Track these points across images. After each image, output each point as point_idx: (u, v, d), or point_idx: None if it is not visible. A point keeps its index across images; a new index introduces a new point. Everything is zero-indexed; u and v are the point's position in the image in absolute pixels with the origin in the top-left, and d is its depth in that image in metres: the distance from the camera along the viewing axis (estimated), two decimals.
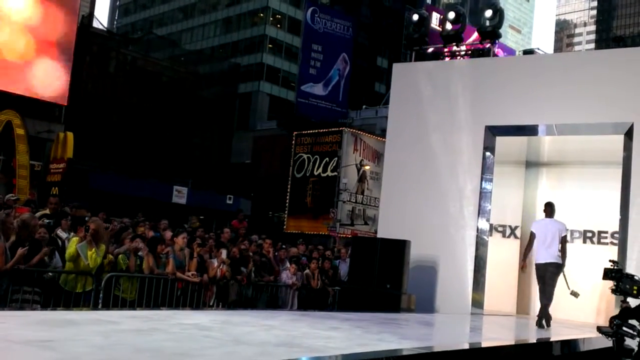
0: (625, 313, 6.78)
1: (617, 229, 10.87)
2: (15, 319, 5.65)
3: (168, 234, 10.57)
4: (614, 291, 7.16)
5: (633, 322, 6.61)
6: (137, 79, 37.10)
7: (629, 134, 10.51)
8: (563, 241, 9.36)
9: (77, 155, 26.94)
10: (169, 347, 4.69)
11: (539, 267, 9.49)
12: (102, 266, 8.39)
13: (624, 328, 6.53)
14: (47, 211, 10.06)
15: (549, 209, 9.75)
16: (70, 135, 26.57)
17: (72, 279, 8.14)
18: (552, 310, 12.27)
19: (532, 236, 9.58)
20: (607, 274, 7.13)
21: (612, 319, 6.68)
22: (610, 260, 7.45)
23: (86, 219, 9.71)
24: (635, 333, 6.50)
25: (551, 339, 8.57)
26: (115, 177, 30.37)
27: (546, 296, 9.49)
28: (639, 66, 10.72)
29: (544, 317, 9.36)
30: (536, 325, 9.39)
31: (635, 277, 7.12)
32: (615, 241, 11.18)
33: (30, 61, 26.67)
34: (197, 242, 10.25)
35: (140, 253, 8.97)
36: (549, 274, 9.33)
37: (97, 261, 8.18)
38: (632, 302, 7.03)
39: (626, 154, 10.54)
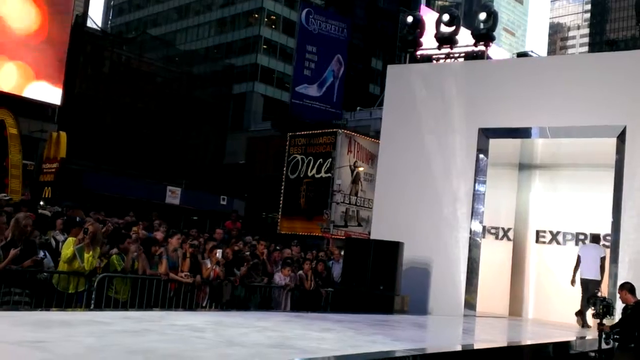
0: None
1: (609, 231, 10.92)
2: (8, 319, 5.63)
3: (159, 234, 10.54)
4: (594, 316, 8.06)
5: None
6: (131, 79, 37.00)
7: (621, 137, 10.56)
8: (602, 262, 10.88)
9: (70, 155, 26.81)
10: (162, 349, 4.69)
11: (582, 280, 10.97)
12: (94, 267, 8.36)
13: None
14: None
15: (592, 237, 11.70)
16: (63, 134, 26.44)
17: (65, 279, 8.12)
18: (547, 312, 12.36)
19: (579, 258, 11.14)
20: (588, 301, 8.28)
21: (611, 327, 7.87)
22: (595, 289, 8.20)
23: (77, 219, 9.68)
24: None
25: (544, 341, 8.60)
26: (109, 177, 30.27)
27: None
28: (632, 70, 10.78)
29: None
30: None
31: (607, 299, 8.10)
32: (608, 244, 11.23)
33: (23, 60, 26.55)
34: (190, 243, 10.22)
35: (134, 254, 8.91)
36: (591, 287, 10.71)
37: (93, 264, 8.17)
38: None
39: (618, 156, 10.60)
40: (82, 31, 33.85)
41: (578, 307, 10.97)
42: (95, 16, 66.89)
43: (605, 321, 7.87)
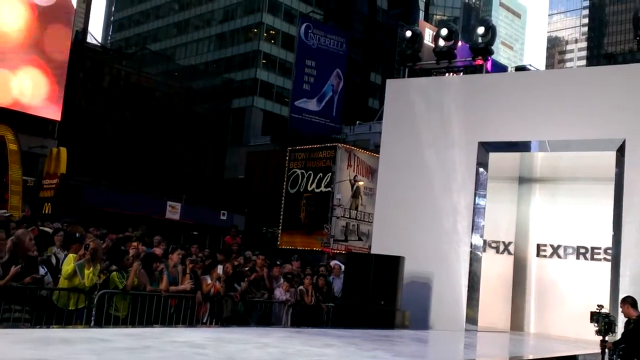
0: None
1: (610, 245, 10.90)
2: (7, 337, 5.60)
3: (158, 250, 10.52)
4: (596, 332, 7.90)
5: None
6: (131, 94, 37.14)
7: (621, 150, 10.57)
8: None
9: (70, 171, 26.84)
10: None
11: None
12: (95, 284, 8.34)
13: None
14: None
15: None
16: (63, 150, 26.50)
17: (65, 295, 8.09)
18: (548, 327, 12.27)
19: None
20: (592, 317, 7.98)
21: (614, 344, 7.88)
22: (597, 305, 8.09)
23: (77, 235, 9.68)
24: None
25: (546, 356, 8.56)
26: (109, 192, 30.27)
27: None
28: (631, 83, 10.82)
29: None
30: None
31: (611, 316, 7.96)
32: (609, 257, 11.21)
33: (23, 76, 26.65)
34: (190, 259, 10.21)
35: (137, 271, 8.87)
36: None
37: (93, 280, 8.15)
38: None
39: (618, 170, 10.60)
40: (82, 47, 34.03)
41: (580, 320, 10.92)
42: (95, 32, 67.42)
43: (607, 338, 7.85)
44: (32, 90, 26.90)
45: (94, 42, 40.91)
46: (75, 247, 8.52)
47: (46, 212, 24.41)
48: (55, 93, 27.77)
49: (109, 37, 74.65)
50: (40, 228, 11.01)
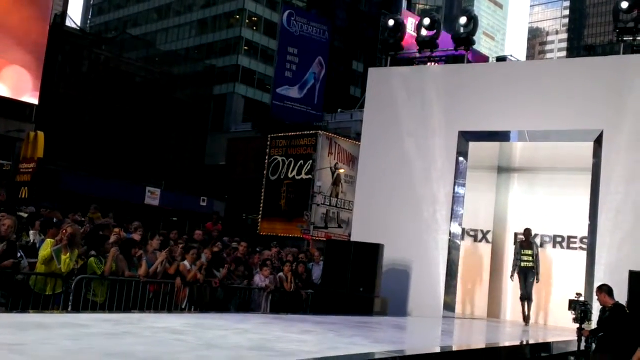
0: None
1: (586, 234, 11.05)
2: None
3: (136, 236, 10.45)
4: (574, 320, 8.05)
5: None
6: (111, 80, 36.67)
7: (598, 141, 10.70)
8: None
9: (48, 156, 26.50)
10: (141, 352, 4.66)
11: None
12: (72, 269, 8.27)
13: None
14: None
15: None
16: (41, 134, 26.13)
17: (42, 280, 8.02)
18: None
19: None
20: (570, 305, 8.13)
21: (591, 332, 7.96)
22: (576, 293, 8.26)
23: (55, 220, 9.57)
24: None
25: (521, 343, 8.68)
26: (87, 178, 29.93)
27: None
28: (609, 75, 10.94)
29: None
30: None
31: (587, 304, 8.12)
32: (585, 246, 11.38)
33: (0, 59, 26.19)
34: (182, 246, 10.15)
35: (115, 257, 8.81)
36: None
37: (70, 266, 8.07)
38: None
39: (595, 160, 10.74)
40: (61, 31, 33.46)
41: (556, 308, 11.08)
42: (75, 15, 66.42)
43: (583, 325, 7.96)
44: (10, 73, 26.45)
45: (73, 26, 40.33)
46: (53, 232, 8.44)
47: (23, 196, 24.11)
48: (33, 77, 27.33)
49: (89, 21, 73.53)
50: (18, 214, 10.87)
